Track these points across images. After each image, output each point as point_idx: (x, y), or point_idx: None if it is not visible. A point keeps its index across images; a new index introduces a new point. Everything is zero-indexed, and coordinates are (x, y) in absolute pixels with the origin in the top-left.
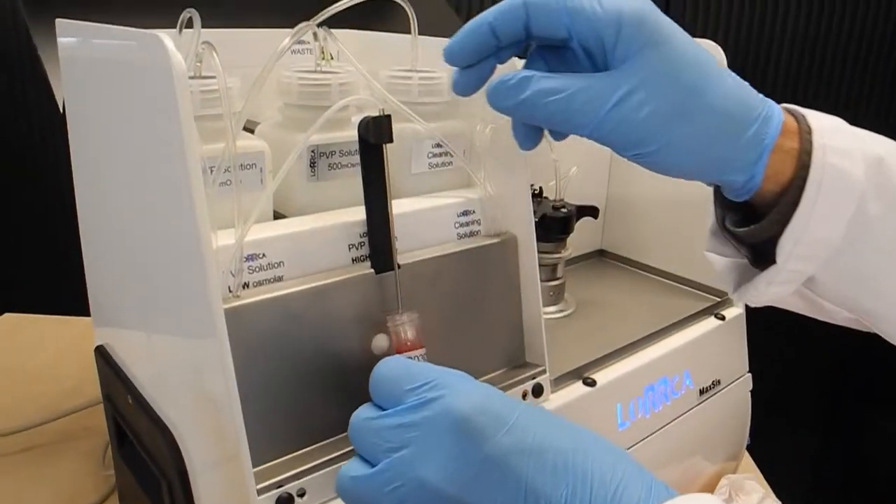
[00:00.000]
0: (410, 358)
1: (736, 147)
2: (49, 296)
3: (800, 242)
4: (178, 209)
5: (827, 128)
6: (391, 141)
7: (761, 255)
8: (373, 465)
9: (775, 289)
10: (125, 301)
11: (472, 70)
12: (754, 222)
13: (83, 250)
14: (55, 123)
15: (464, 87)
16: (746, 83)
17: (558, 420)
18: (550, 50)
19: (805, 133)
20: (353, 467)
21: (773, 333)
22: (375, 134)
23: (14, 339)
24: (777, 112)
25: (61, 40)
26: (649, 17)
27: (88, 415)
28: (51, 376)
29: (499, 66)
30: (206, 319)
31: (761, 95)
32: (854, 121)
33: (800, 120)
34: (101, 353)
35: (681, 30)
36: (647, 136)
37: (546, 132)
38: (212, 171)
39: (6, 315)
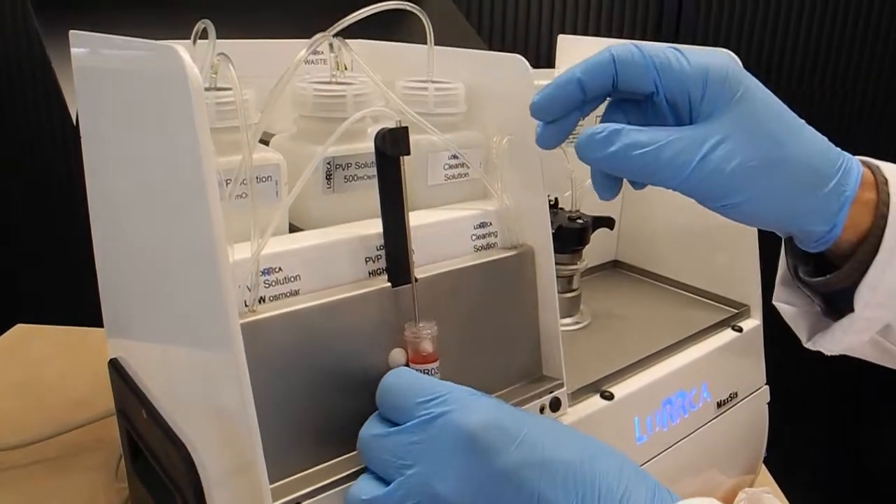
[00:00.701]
0: (422, 371)
1: (819, 198)
2: (60, 307)
3: (877, 291)
4: (194, 222)
5: None
6: (408, 153)
7: (833, 305)
8: (384, 482)
9: (851, 337)
10: (139, 314)
11: (556, 124)
12: (823, 273)
13: (97, 262)
14: (67, 134)
15: (547, 141)
16: (824, 136)
17: (565, 430)
18: (630, 102)
19: (882, 184)
20: (365, 488)
21: (787, 340)
22: (392, 146)
23: (25, 351)
24: (856, 165)
25: (75, 51)
26: (735, 72)
27: (101, 427)
28: (62, 387)
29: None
30: (223, 334)
31: (838, 148)
32: (872, 129)
33: (875, 171)
34: (115, 367)
35: (761, 85)
36: (734, 188)
37: (626, 182)
38: (227, 184)
39: (18, 326)
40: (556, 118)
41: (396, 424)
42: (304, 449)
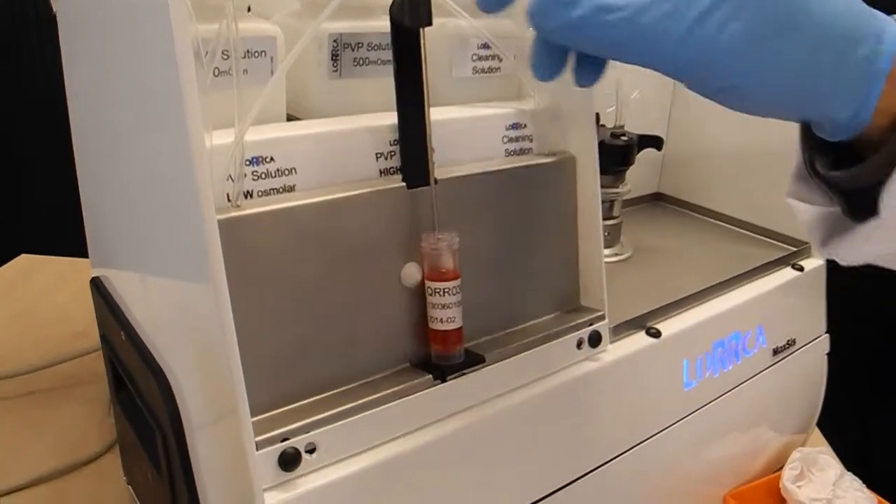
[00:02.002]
0: (441, 291)
1: (843, 73)
2: (66, 237)
3: None
4: (165, 100)
5: None
6: (430, 23)
7: (857, 205)
8: None
9: (874, 247)
10: (117, 223)
11: None
12: (848, 165)
13: (78, 171)
14: None
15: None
16: None
17: None
18: None
19: None
20: None
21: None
22: (412, 15)
23: (28, 281)
24: (893, 28)
25: None
26: None
27: (96, 359)
28: (62, 319)
29: None
30: (197, 232)
31: (869, 7)
32: None
33: None
34: (97, 286)
35: None
36: (733, 64)
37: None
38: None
39: (22, 256)
40: None
41: None
42: (296, 377)
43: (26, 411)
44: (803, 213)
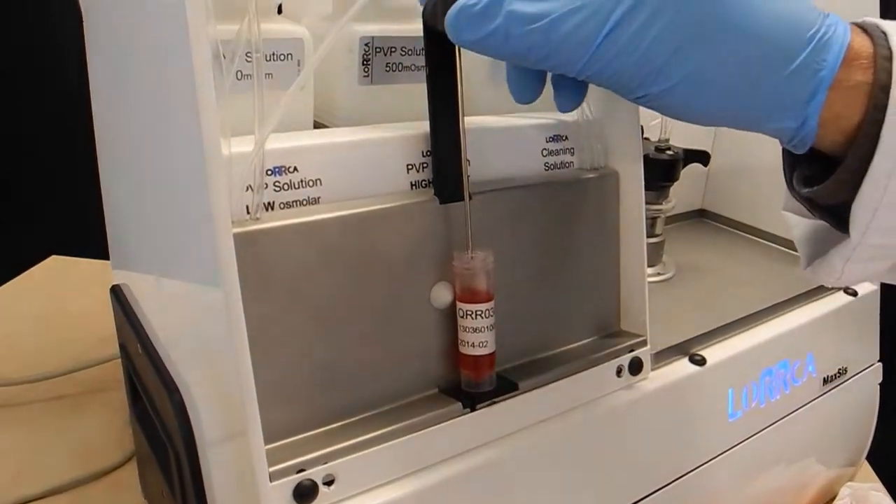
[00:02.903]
0: (473, 314)
1: (780, 81)
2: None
3: (882, 210)
4: (180, 104)
5: None
6: None
7: (845, 220)
8: None
9: (857, 267)
10: (134, 230)
11: None
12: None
13: (100, 177)
14: None
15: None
16: None
17: None
18: None
19: (882, 59)
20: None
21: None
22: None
23: (57, 283)
24: (841, 31)
25: None
26: None
27: (119, 365)
28: (88, 322)
29: None
30: (211, 245)
31: (820, 10)
32: None
33: (877, 41)
34: (116, 294)
35: None
36: (656, 71)
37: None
38: (224, 58)
39: (53, 257)
40: None
41: None
42: (315, 403)
43: (48, 417)
44: (795, 226)
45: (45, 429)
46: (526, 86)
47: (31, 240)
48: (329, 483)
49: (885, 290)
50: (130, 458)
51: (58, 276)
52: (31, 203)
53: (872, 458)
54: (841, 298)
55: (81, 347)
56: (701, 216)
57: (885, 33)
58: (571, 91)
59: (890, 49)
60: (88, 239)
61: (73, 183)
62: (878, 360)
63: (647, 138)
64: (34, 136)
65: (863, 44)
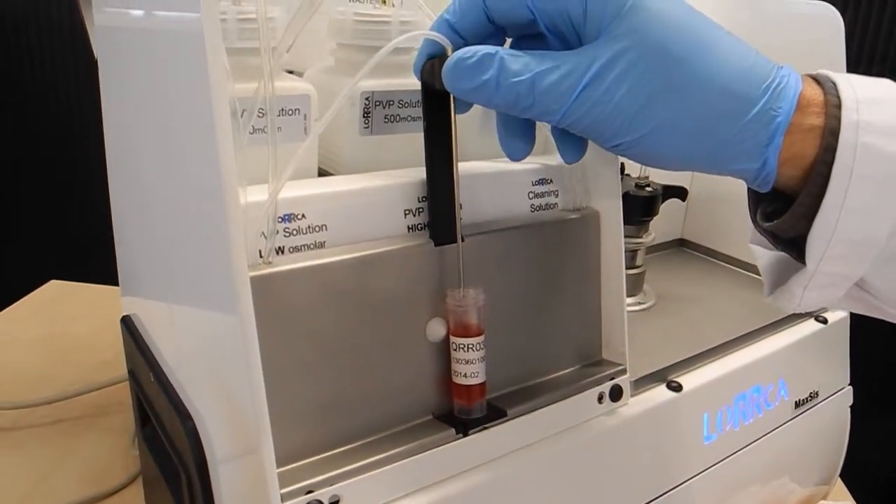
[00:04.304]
0: (465, 347)
1: (739, 128)
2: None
3: (835, 241)
4: (201, 156)
5: (865, 99)
6: None
7: (803, 251)
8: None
9: (814, 294)
10: (148, 267)
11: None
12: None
13: (112, 209)
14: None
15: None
16: (755, 49)
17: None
18: (530, 38)
19: (832, 107)
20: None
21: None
22: (441, 79)
23: (57, 307)
24: (794, 81)
25: None
26: None
27: (122, 389)
28: (90, 347)
29: None
30: (228, 287)
31: (776, 63)
32: None
33: (827, 90)
34: (127, 325)
35: None
36: (627, 122)
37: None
38: (243, 115)
39: (52, 282)
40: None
41: None
42: (322, 429)
43: (51, 440)
44: (760, 257)
45: (50, 451)
46: (516, 145)
47: (31, 265)
48: (335, 503)
49: (855, 317)
50: (134, 479)
51: (57, 301)
52: (31, 229)
53: (846, 476)
54: (811, 326)
55: (82, 371)
56: (681, 245)
57: (835, 84)
58: (573, 145)
59: (839, 98)
60: (88, 264)
61: (73, 209)
62: (849, 384)
63: (627, 174)
64: (34, 162)
65: (814, 93)
